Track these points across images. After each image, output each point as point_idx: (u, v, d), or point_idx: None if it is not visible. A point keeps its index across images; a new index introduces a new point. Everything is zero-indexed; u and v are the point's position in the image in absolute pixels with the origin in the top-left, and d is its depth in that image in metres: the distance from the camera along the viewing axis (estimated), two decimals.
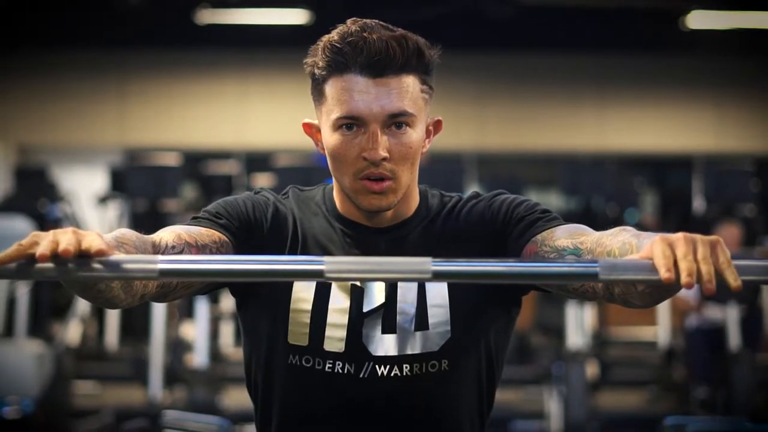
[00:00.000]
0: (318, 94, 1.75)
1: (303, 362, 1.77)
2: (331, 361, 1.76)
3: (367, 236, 1.80)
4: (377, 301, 1.77)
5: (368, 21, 1.73)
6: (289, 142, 10.75)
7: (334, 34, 1.72)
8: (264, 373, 1.81)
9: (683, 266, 1.33)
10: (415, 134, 1.73)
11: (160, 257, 1.42)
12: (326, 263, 1.43)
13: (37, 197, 8.15)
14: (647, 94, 11.85)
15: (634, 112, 11.87)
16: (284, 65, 11.18)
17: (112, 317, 9.00)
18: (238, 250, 1.76)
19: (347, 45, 1.69)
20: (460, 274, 1.48)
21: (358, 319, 1.76)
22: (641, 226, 6.36)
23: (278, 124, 11.54)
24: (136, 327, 8.33)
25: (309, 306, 1.77)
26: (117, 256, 1.41)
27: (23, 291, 6.49)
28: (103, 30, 10.69)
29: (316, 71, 1.73)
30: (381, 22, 1.74)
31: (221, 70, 11.67)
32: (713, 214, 7.91)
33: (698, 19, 10.09)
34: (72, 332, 7.91)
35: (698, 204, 10.85)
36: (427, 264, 1.43)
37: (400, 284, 1.78)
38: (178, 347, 7.02)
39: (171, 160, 8.43)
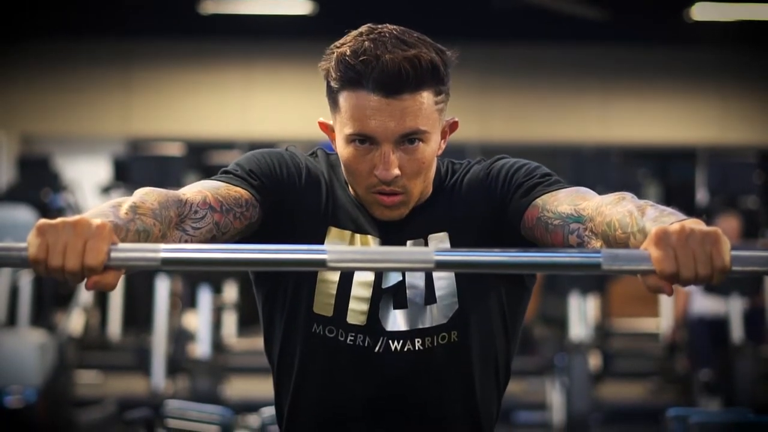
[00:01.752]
0: (332, 102, 1.75)
1: (326, 332, 1.79)
2: (352, 334, 1.78)
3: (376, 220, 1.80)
4: (396, 277, 1.78)
5: (383, 31, 1.70)
6: (293, 132, 10.75)
7: (347, 48, 1.69)
8: (284, 339, 1.83)
9: (684, 275, 1.41)
10: (428, 148, 1.73)
11: (162, 246, 1.44)
12: (329, 253, 1.43)
13: (40, 187, 8.16)
14: (651, 85, 11.83)
15: (638, 103, 11.85)
16: (288, 55, 11.20)
17: (115, 307, 9.01)
18: (264, 211, 1.75)
19: (360, 63, 1.67)
20: (462, 264, 1.49)
21: (378, 293, 1.78)
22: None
23: (282, 114, 11.53)
24: (138, 317, 8.34)
25: (336, 277, 1.78)
26: (121, 245, 1.43)
27: (26, 280, 6.50)
28: (107, 20, 10.68)
29: (330, 81, 1.72)
30: (396, 32, 1.70)
31: (225, 60, 11.67)
32: (716, 205, 7.90)
33: (703, 11, 10.06)
34: (75, 322, 7.91)
35: (701, 196, 10.83)
36: (429, 254, 1.44)
37: None
38: (180, 337, 7.03)
39: (174, 150, 8.44)
